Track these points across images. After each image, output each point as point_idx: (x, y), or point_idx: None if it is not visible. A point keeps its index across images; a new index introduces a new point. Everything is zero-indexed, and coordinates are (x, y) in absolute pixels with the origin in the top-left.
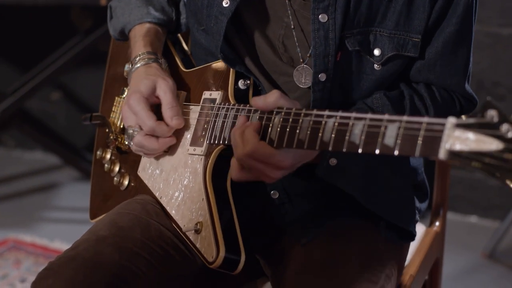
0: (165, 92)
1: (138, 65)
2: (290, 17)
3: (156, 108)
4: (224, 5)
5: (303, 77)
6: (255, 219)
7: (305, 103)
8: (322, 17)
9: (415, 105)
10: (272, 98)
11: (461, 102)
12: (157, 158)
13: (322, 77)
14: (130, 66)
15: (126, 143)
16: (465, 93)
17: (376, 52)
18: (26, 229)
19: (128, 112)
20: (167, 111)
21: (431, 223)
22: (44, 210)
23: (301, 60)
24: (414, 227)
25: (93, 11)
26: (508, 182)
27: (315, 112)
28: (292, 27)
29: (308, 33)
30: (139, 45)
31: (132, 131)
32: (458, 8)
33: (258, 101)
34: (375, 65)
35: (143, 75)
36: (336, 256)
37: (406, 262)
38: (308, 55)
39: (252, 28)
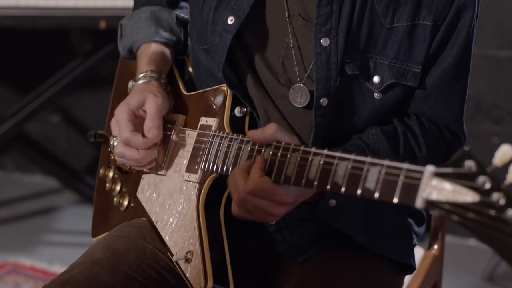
0: (151, 106)
1: (140, 82)
2: (290, 35)
3: (141, 123)
4: (229, 22)
5: (298, 96)
6: (251, 245)
7: (305, 127)
8: (324, 41)
9: (409, 142)
10: (269, 131)
11: (450, 138)
12: (155, 181)
13: (324, 101)
14: (133, 83)
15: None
16: (458, 127)
17: (376, 79)
18: (26, 252)
19: (113, 121)
20: (146, 122)
21: (430, 246)
22: (43, 234)
23: (298, 79)
24: (414, 259)
25: (93, 34)
26: (482, 236)
27: (302, 148)
28: (291, 45)
29: (306, 53)
30: (143, 63)
31: (113, 140)
32: (458, 40)
33: (255, 134)
34: (375, 94)
35: (138, 90)
36: (334, 274)
37: (405, 286)
38: (305, 75)
39: (253, 48)
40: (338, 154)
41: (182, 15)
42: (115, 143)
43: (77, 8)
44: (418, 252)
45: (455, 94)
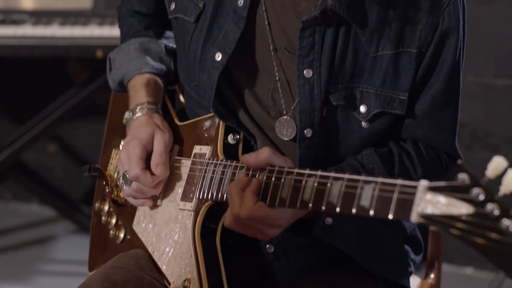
0: (159, 143)
1: (139, 114)
2: (276, 68)
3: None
4: (216, 58)
5: (285, 129)
6: (249, 273)
7: (292, 159)
8: (307, 72)
9: (404, 163)
10: (263, 155)
11: (447, 161)
12: (151, 212)
13: (308, 132)
14: (131, 114)
15: (120, 187)
16: (453, 150)
17: (362, 108)
18: (23, 282)
19: (125, 156)
20: (154, 159)
21: (426, 275)
22: (40, 263)
23: (285, 112)
24: (408, 281)
25: (90, 63)
26: (479, 247)
27: (296, 170)
28: (277, 78)
29: (293, 85)
30: (140, 95)
31: (127, 175)
32: (445, 65)
33: (249, 159)
34: (363, 123)
35: (145, 123)
36: None
37: None
38: (292, 107)
39: (242, 83)
40: (332, 174)
41: (170, 44)
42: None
43: (74, 37)
44: (415, 281)
45: (447, 119)
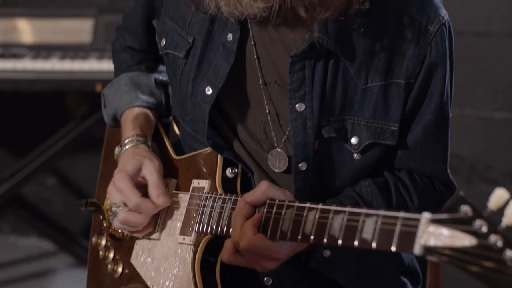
0: (151, 173)
1: (127, 147)
2: (266, 101)
3: (141, 189)
4: (207, 92)
5: (277, 162)
6: None
7: (290, 191)
8: (299, 106)
9: (400, 192)
10: (261, 189)
11: (441, 188)
12: (149, 246)
13: (303, 166)
14: (120, 149)
15: (111, 221)
16: (446, 179)
17: (354, 140)
18: None
19: (113, 189)
20: (153, 190)
21: None
22: None
23: (276, 145)
24: None
25: (89, 97)
26: (482, 278)
27: (297, 204)
28: (267, 111)
29: (284, 118)
30: (128, 128)
31: (115, 208)
32: (435, 96)
33: (248, 198)
34: (355, 154)
35: (131, 155)
36: None
37: None
38: (283, 139)
39: (234, 116)
40: (333, 207)
41: (161, 77)
42: (117, 210)
43: (73, 71)
44: None
45: (439, 148)
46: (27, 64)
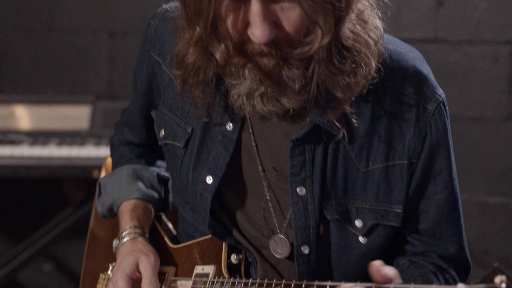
0: (146, 268)
1: (125, 240)
2: (266, 188)
3: (139, 284)
4: (208, 181)
5: (279, 247)
6: None
7: (289, 276)
8: (300, 190)
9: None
10: None
11: (458, 269)
12: None
13: (305, 249)
14: (118, 241)
15: None
16: (465, 258)
17: (358, 223)
18: None
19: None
20: (145, 285)
21: None
22: None
23: (278, 231)
24: None
25: (86, 184)
26: None
27: (316, 283)
28: (268, 198)
29: (284, 204)
30: (126, 220)
31: None
32: (442, 175)
33: None
34: (360, 238)
35: (128, 250)
36: None
37: None
38: (284, 225)
39: (233, 204)
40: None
41: (162, 173)
42: None
43: (70, 157)
44: None
45: (454, 226)
46: (25, 151)
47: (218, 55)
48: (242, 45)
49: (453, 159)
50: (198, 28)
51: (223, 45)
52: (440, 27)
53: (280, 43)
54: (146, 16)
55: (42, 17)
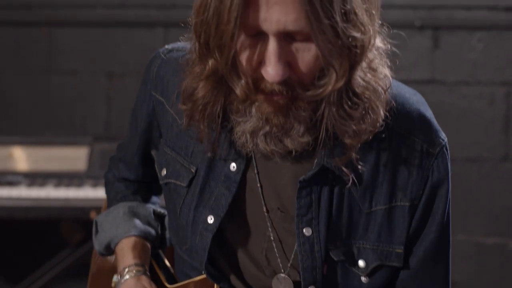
0: None
1: (127, 276)
2: (270, 229)
3: None
4: (209, 221)
5: (281, 287)
6: None
7: None
8: (307, 231)
9: None
10: None
11: None
12: None
13: None
14: (119, 277)
15: None
16: None
17: (361, 263)
18: None
19: None
20: None
21: None
22: None
23: (282, 270)
24: None
25: (83, 225)
26: None
27: None
28: (272, 238)
29: (287, 244)
30: (127, 257)
31: None
32: (437, 216)
33: None
34: (362, 278)
35: (133, 287)
36: None
37: None
38: (288, 265)
39: (235, 244)
40: None
41: (158, 209)
42: None
43: (68, 198)
44: None
45: (440, 268)
46: (23, 192)
47: (238, 90)
48: (255, 82)
49: (449, 202)
50: (210, 63)
51: (243, 81)
52: (436, 68)
53: (293, 83)
54: (144, 58)
55: (40, 58)
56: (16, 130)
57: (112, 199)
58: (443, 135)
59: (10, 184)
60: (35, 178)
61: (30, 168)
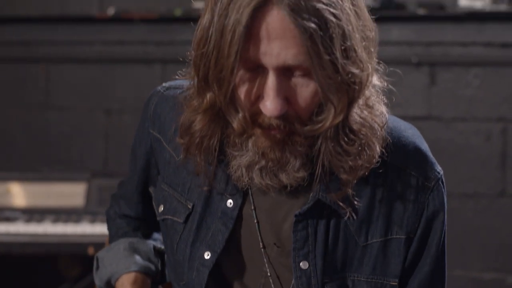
0: None
1: None
2: (266, 264)
3: None
4: (206, 257)
5: None
6: None
7: None
8: (303, 264)
9: None
10: None
11: None
12: None
13: None
14: None
15: None
16: None
17: None
18: None
19: None
20: None
21: None
22: None
23: None
24: None
25: (81, 260)
26: None
27: None
28: (269, 274)
29: (284, 279)
30: None
31: None
32: (432, 249)
33: None
34: None
35: None
36: None
37: None
38: None
39: (232, 279)
40: None
41: (159, 245)
42: None
43: (66, 234)
44: None
45: None
46: (20, 228)
47: (235, 124)
48: (252, 116)
49: (445, 235)
50: (208, 96)
51: (241, 114)
52: (433, 104)
53: (290, 118)
54: (142, 94)
55: (38, 94)
56: (14, 166)
57: (113, 235)
58: (438, 168)
59: (8, 220)
60: (33, 214)
61: (28, 204)
